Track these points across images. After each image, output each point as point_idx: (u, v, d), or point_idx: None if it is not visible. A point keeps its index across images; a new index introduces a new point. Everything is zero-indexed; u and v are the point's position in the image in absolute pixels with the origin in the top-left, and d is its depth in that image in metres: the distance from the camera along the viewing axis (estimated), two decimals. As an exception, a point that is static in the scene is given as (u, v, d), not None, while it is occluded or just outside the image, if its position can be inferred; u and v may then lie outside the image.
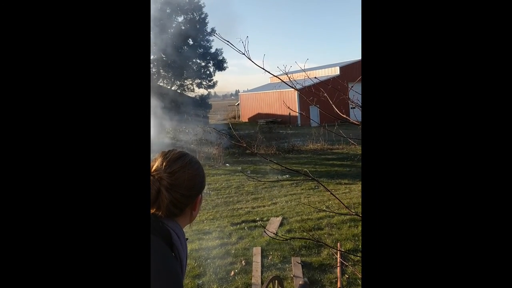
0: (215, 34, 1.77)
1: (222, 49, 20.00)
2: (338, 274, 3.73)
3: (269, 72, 1.83)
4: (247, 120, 29.55)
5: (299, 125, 22.70)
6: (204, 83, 19.80)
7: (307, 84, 2.20)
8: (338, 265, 3.86)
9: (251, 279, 3.80)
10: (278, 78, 1.86)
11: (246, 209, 6.44)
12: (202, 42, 19.08)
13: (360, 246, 4.39)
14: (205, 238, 5.03)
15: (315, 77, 2.93)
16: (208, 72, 19.74)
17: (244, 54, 1.84)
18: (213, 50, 19.42)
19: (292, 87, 1.80)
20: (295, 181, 8.08)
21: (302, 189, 7.73)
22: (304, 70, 1.97)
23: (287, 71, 2.02)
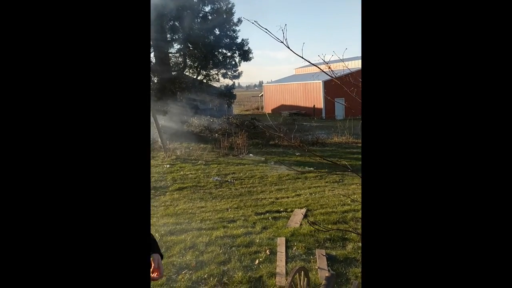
0: (253, 22, 1.76)
1: (248, 39, 19.93)
2: (364, 268, 3.71)
3: (308, 61, 1.82)
4: (270, 112, 29.48)
5: (324, 117, 22.45)
6: (230, 73, 19.81)
7: (339, 74, 2.17)
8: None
9: (275, 269, 3.83)
10: (317, 67, 1.84)
11: (270, 200, 6.46)
12: (228, 32, 19.05)
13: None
14: (229, 226, 5.09)
15: (347, 67, 2.88)
16: (233, 63, 19.73)
17: (282, 42, 1.83)
18: (239, 40, 19.39)
19: (331, 77, 1.78)
20: (319, 174, 8.03)
21: (326, 182, 7.68)
22: (342, 60, 1.95)
23: (322, 61, 1.99)
